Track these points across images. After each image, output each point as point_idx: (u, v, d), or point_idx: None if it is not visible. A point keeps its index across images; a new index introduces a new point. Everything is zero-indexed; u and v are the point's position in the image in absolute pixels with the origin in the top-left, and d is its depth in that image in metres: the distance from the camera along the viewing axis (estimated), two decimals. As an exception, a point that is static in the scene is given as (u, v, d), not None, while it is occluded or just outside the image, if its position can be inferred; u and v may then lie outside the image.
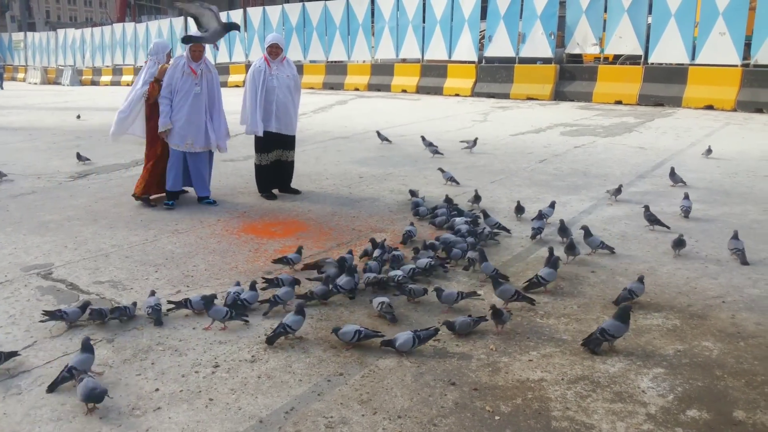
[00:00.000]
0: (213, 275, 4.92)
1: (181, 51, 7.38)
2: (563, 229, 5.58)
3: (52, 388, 3.29)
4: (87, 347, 3.40)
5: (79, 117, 15.98)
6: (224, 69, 27.75)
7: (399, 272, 4.62)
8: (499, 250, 5.52)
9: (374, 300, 4.20)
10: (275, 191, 7.54)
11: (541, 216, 6.03)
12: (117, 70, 36.34)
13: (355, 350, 3.71)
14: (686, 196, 6.66)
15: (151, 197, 7.10)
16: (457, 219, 5.98)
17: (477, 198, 6.77)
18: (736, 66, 15.66)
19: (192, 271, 5.01)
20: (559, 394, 3.26)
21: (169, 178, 6.90)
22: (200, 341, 3.81)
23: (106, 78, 36.84)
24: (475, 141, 10.37)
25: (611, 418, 3.04)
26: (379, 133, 11.25)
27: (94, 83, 37.50)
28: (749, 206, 6.87)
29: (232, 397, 3.24)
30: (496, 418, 3.06)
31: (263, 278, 4.59)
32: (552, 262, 4.60)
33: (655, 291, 4.59)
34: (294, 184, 7.74)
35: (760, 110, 15.01)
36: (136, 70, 26.40)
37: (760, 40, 15.39)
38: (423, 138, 10.18)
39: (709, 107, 15.72)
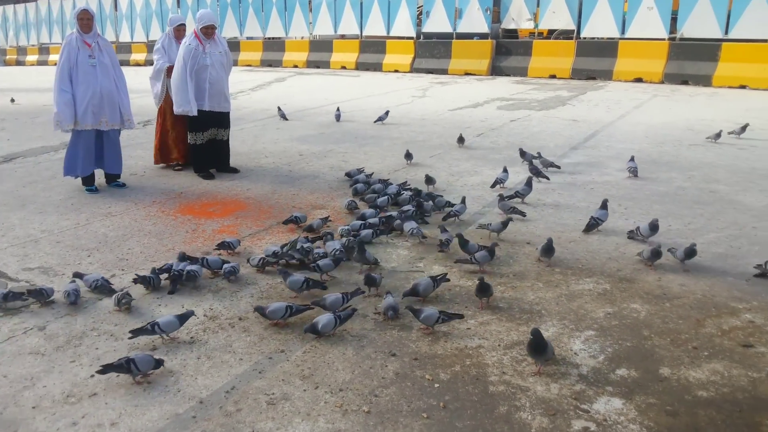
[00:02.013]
0: (149, 257, 4.81)
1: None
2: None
3: None
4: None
5: (13, 101, 14.96)
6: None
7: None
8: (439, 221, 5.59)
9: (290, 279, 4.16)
10: (212, 171, 7.39)
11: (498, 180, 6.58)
12: (44, 49, 34.64)
13: (297, 326, 3.71)
14: (632, 159, 7.19)
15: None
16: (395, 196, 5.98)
17: (429, 180, 6.55)
18: (664, 39, 16.20)
19: (127, 255, 4.89)
20: (496, 360, 3.36)
21: (81, 164, 6.56)
22: (137, 325, 3.74)
23: (32, 57, 35.09)
24: (386, 113, 10.78)
25: (545, 380, 3.16)
26: (338, 113, 11.27)
27: (19, 63, 35.68)
28: (674, 173, 7.18)
29: (171, 380, 3.20)
30: (436, 385, 3.13)
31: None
32: (489, 247, 4.57)
33: (586, 257, 4.77)
34: (232, 163, 7.62)
35: (685, 82, 15.61)
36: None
37: (686, 14, 15.95)
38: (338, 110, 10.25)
39: (639, 80, 16.25)
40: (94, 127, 6.48)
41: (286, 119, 11.26)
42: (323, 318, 3.58)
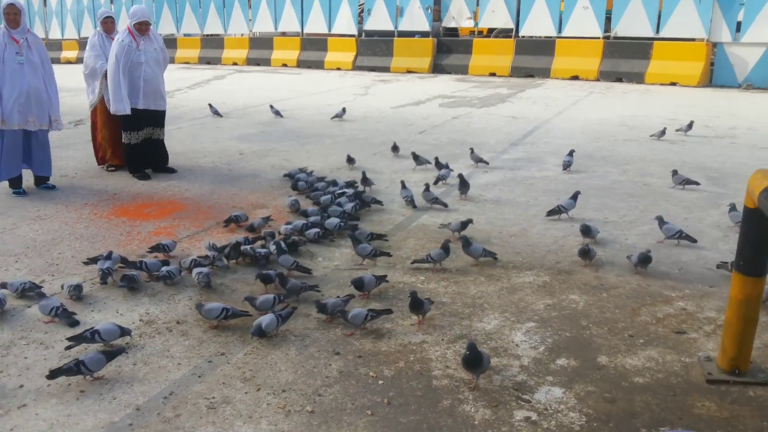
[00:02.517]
0: (81, 262, 4.61)
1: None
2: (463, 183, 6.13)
3: None
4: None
5: None
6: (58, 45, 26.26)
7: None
8: (382, 219, 5.59)
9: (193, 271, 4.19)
10: (149, 171, 7.17)
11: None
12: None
13: (237, 329, 3.63)
14: (570, 153, 7.36)
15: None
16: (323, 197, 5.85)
17: (366, 180, 6.39)
18: (598, 38, 16.68)
19: (57, 259, 4.68)
20: (439, 354, 3.37)
21: (4, 165, 6.22)
22: (68, 333, 3.58)
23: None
24: (343, 110, 10.74)
25: (488, 373, 3.18)
26: (272, 107, 11.09)
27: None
28: (610, 168, 7.39)
29: (106, 387, 3.08)
30: (380, 382, 3.11)
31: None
32: (443, 244, 4.50)
33: (526, 251, 4.84)
34: (170, 163, 7.41)
35: (620, 79, 16.11)
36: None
37: (619, 13, 16.45)
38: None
39: (575, 77, 16.68)
40: (21, 127, 6.19)
41: (220, 115, 11.08)
42: (265, 318, 3.51)
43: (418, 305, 3.64)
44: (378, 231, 5.11)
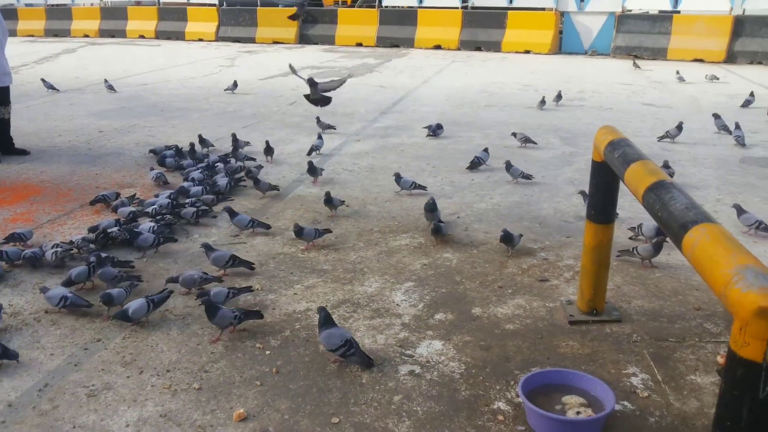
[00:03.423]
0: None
1: None
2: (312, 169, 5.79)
3: None
4: None
5: None
6: None
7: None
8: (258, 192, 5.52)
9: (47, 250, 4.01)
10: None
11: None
12: None
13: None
14: (439, 126, 7.57)
15: None
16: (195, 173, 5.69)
17: (268, 150, 6.41)
18: (457, 8, 17.23)
19: None
20: (324, 320, 3.44)
21: None
22: None
23: None
24: (235, 83, 10.45)
25: (372, 333, 3.31)
26: (106, 81, 10.54)
27: None
28: (474, 133, 7.76)
29: (-30, 386, 2.87)
30: (267, 352, 3.14)
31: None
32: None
33: (401, 215, 5.02)
34: (20, 144, 6.83)
35: (479, 48, 16.80)
36: None
37: (476, -17, 17.08)
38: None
39: (438, 47, 17.18)
40: None
41: (56, 90, 10.42)
42: (134, 303, 3.35)
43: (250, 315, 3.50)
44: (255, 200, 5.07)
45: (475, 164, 6.16)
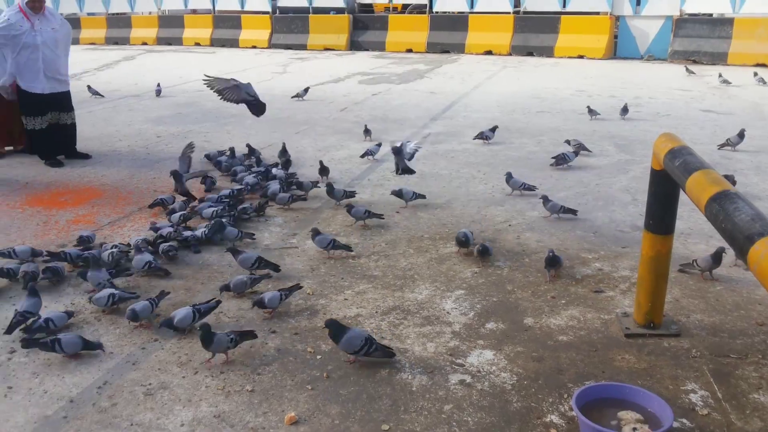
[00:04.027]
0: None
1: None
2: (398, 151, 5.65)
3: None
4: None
5: None
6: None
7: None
8: (309, 196, 5.55)
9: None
10: (61, 158, 6.84)
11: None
12: None
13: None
14: (493, 129, 7.52)
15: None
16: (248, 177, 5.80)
17: (323, 170, 5.99)
18: (509, 13, 17.08)
19: (-31, 253, 4.43)
20: (374, 326, 3.45)
21: None
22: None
23: None
24: (306, 89, 10.57)
25: (422, 341, 3.30)
26: (158, 88, 10.78)
27: None
28: (525, 139, 7.67)
29: (35, 381, 2.98)
30: (318, 357, 3.17)
31: (47, 252, 4.23)
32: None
33: (451, 222, 4.99)
34: (82, 148, 7.09)
35: (531, 53, 16.61)
36: None
37: (528, -12, 16.92)
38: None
39: (489, 52, 17.06)
40: None
41: (101, 96, 10.82)
42: (179, 312, 3.40)
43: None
44: (306, 207, 5.13)
45: (561, 160, 6.33)
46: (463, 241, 4.33)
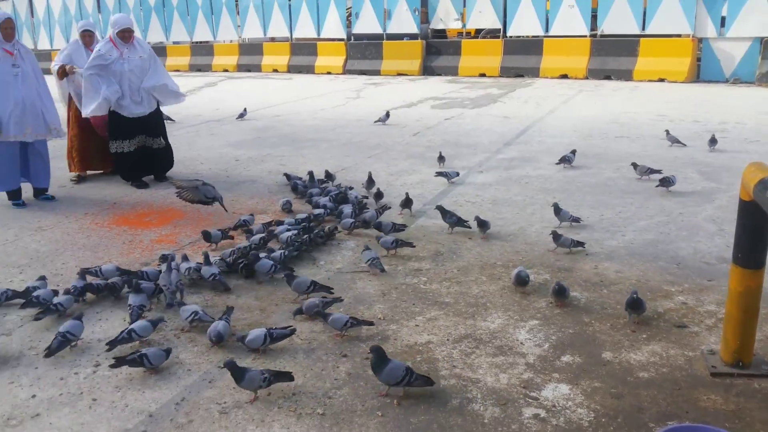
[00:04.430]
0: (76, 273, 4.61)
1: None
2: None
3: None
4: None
5: None
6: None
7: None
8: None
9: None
10: (147, 179, 7.19)
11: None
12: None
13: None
14: (573, 152, 7.46)
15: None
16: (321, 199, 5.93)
17: (407, 202, 5.86)
18: (585, 36, 16.80)
19: (61, 269, 4.69)
20: (445, 354, 3.41)
21: (4, 178, 6.26)
22: (78, 341, 3.60)
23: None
24: (387, 114, 10.69)
25: (494, 371, 3.24)
26: (243, 112, 11.13)
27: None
28: (603, 165, 7.47)
29: (118, 395, 3.11)
30: (389, 383, 3.15)
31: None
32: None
33: (525, 249, 4.90)
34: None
35: (608, 77, 16.24)
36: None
37: (605, 11, 16.60)
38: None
39: (564, 76, 16.80)
40: (18, 138, 6.19)
41: (173, 120, 11.09)
42: (253, 332, 3.48)
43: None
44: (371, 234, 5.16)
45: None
46: (525, 281, 4.13)
